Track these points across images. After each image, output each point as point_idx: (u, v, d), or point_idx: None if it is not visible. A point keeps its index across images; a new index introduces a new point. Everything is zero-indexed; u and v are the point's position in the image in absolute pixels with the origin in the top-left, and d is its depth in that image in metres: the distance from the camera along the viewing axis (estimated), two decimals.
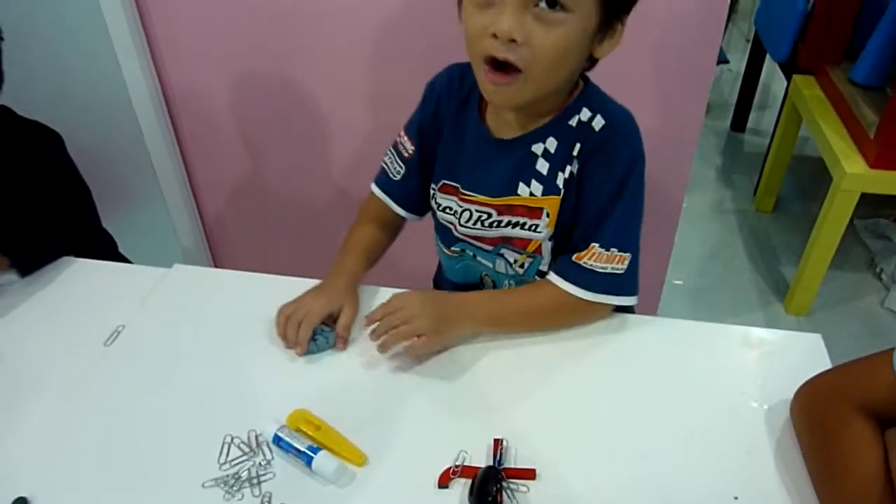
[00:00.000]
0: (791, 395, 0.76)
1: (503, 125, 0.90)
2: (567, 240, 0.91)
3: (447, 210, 0.96)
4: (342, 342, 0.89)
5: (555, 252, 0.93)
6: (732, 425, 0.77)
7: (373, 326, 0.85)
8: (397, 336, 0.83)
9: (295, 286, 0.94)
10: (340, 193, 1.72)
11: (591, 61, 0.84)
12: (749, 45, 2.93)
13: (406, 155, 0.99)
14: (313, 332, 0.87)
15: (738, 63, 3.24)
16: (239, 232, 1.87)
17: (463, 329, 0.88)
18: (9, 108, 1.07)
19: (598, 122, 0.85)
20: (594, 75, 0.89)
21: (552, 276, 0.89)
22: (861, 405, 0.67)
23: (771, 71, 3.06)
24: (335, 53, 1.47)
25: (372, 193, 1.04)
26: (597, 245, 0.86)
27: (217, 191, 1.79)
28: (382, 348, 0.84)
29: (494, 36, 0.74)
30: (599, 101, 0.87)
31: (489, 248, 0.96)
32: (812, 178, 2.68)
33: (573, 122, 0.86)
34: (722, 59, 3.61)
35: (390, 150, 1.01)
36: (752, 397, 0.80)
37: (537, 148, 0.88)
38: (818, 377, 0.74)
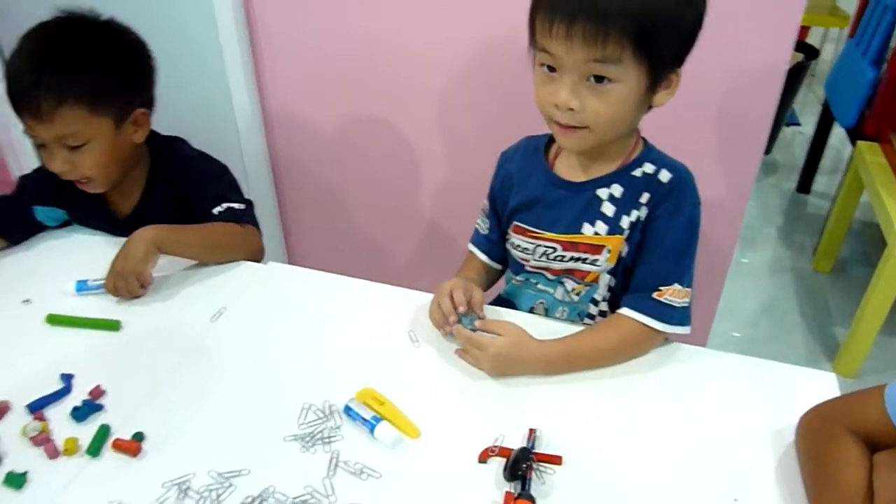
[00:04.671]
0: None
1: (571, 171, 1.05)
2: (626, 273, 1.04)
3: (518, 248, 1.10)
4: (479, 322, 1.00)
5: (611, 284, 1.06)
6: (746, 446, 0.87)
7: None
8: (464, 359, 0.99)
9: (361, 287, 1.11)
10: (410, 215, 1.89)
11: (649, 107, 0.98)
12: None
13: (486, 211, 1.17)
14: (458, 318, 0.99)
15: (811, 126, 3.28)
16: (311, 241, 2.07)
17: (529, 371, 0.97)
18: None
19: (665, 175, 0.99)
20: (655, 126, 1.03)
21: (631, 313, 0.99)
22: (852, 428, 0.77)
23: (842, 136, 3.10)
24: (421, 96, 1.66)
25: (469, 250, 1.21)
26: (677, 284, 0.99)
27: (298, 203, 2.00)
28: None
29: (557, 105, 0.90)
30: (659, 157, 1.02)
31: (552, 277, 1.09)
32: (873, 242, 2.70)
33: (637, 173, 1.00)
34: (793, 122, 3.68)
35: (481, 213, 1.19)
36: (766, 423, 0.90)
37: (602, 192, 1.01)
38: (822, 403, 0.84)
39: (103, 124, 1.12)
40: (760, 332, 2.29)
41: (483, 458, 0.84)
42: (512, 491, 0.79)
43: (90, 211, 1.28)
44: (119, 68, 1.14)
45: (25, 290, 1.15)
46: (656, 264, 1.00)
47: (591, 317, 1.10)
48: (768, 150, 3.37)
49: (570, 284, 1.08)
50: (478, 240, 1.20)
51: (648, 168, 1.00)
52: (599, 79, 0.88)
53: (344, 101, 1.75)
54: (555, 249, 1.06)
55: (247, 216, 1.23)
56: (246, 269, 1.20)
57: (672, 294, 0.98)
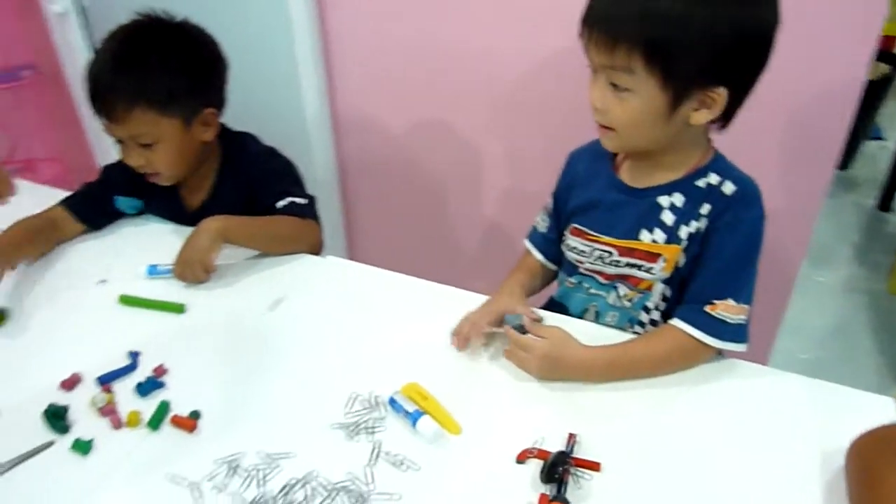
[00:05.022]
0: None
1: (634, 176, 1.05)
2: (681, 284, 1.03)
3: (573, 250, 1.11)
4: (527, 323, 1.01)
5: (665, 293, 1.05)
6: (793, 467, 0.85)
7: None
8: (511, 360, 0.99)
9: (414, 284, 1.14)
10: (469, 218, 1.91)
11: (723, 122, 0.96)
12: None
13: (549, 210, 1.18)
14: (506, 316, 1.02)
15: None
16: (373, 238, 2.11)
17: (573, 376, 0.97)
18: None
19: (729, 188, 0.97)
20: (725, 138, 1.01)
21: (682, 324, 0.97)
22: None
23: None
24: (486, 101, 1.68)
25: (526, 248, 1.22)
26: (731, 299, 0.97)
27: (361, 201, 2.05)
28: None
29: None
30: (726, 169, 1.00)
31: (605, 281, 1.09)
32: None
33: (701, 183, 0.99)
34: (876, 136, 3.51)
35: (541, 211, 1.20)
36: (816, 444, 0.87)
37: (663, 200, 1.01)
38: (878, 427, 0.81)
39: (173, 125, 1.19)
40: (828, 353, 2.19)
41: (521, 458, 0.85)
42: (547, 493, 0.80)
43: (164, 202, 1.36)
44: (190, 70, 1.19)
45: (102, 271, 1.23)
46: (711, 277, 0.98)
47: (642, 324, 1.10)
48: (847, 166, 3.22)
49: (623, 290, 1.07)
50: (535, 237, 1.21)
51: (713, 179, 0.98)
52: (615, 86, 0.91)
53: (410, 105, 1.79)
54: (610, 254, 1.05)
55: (309, 211, 1.28)
56: (305, 262, 1.25)
57: (725, 309, 0.97)
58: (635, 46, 0.86)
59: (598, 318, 1.13)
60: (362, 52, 1.76)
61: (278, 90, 1.85)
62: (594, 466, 0.84)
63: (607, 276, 1.08)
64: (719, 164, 1.00)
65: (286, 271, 1.22)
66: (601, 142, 1.00)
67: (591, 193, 1.08)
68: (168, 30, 1.20)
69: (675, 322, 0.99)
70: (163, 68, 1.16)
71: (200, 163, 1.30)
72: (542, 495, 0.80)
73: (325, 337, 1.07)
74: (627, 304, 1.08)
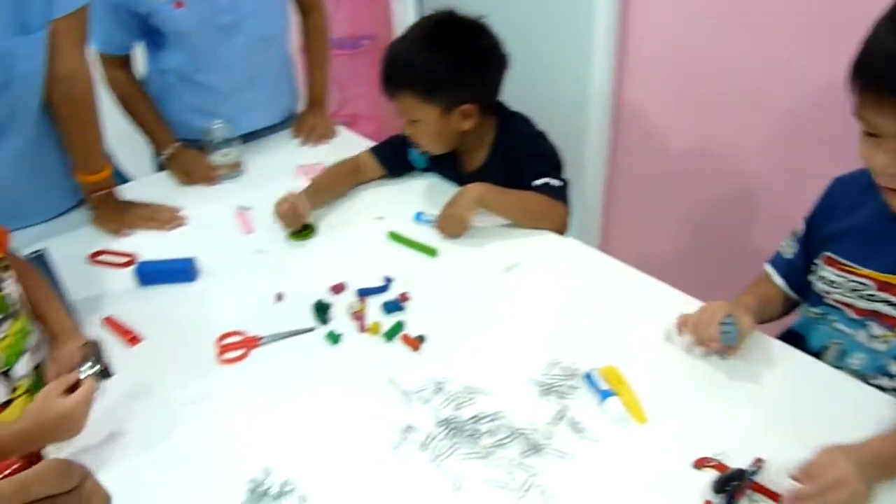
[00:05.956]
0: None
1: None
2: None
3: (823, 279, 1.04)
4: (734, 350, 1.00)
5: None
6: None
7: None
8: None
9: (643, 281, 1.17)
10: (722, 231, 1.84)
11: None
12: None
13: (798, 235, 1.12)
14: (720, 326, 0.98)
15: None
16: (628, 234, 2.14)
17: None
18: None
19: None
20: None
21: None
22: None
23: None
24: (767, 121, 1.61)
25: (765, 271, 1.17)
26: None
27: (623, 199, 2.08)
28: None
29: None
30: None
31: (856, 316, 1.01)
32: None
33: None
34: None
35: (789, 236, 1.14)
36: None
37: None
38: None
39: (432, 111, 1.34)
40: None
41: (699, 465, 0.86)
42: (713, 502, 0.80)
43: (446, 163, 1.54)
44: (459, 67, 1.31)
45: (382, 210, 1.46)
46: None
47: (891, 376, 0.99)
48: None
49: (876, 329, 0.98)
50: (778, 262, 1.16)
51: None
52: None
53: (691, 117, 1.79)
54: (866, 286, 0.98)
55: (560, 194, 1.37)
56: (547, 238, 1.34)
57: None
58: None
59: (841, 358, 1.04)
60: (658, 57, 1.79)
61: (567, 80, 1.96)
62: (775, 497, 0.81)
63: (859, 311, 1.00)
64: None
65: (528, 242, 1.33)
66: (888, 202, 0.91)
67: (854, 221, 1.01)
68: (457, 27, 1.34)
69: None
70: (431, 62, 1.31)
71: (462, 142, 1.44)
72: (707, 501, 0.80)
73: (544, 304, 1.16)
74: (881, 346, 0.99)
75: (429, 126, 1.37)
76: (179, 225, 1.46)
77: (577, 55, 1.91)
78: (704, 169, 1.83)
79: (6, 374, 0.95)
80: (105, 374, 0.95)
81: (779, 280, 1.14)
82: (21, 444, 0.85)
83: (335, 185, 1.52)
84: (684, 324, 1.04)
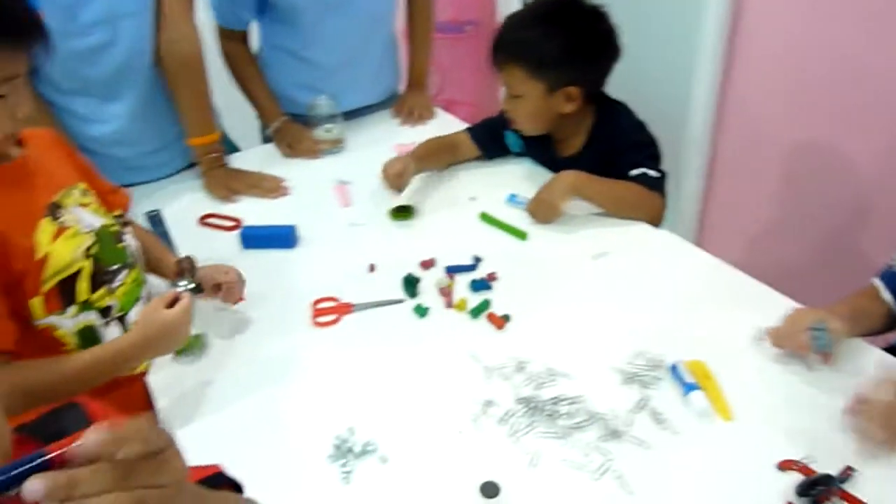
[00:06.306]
0: None
1: None
2: None
3: None
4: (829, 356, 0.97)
5: None
6: None
7: None
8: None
9: (737, 279, 1.14)
10: (829, 236, 1.76)
11: None
12: None
13: None
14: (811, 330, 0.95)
15: None
16: (726, 230, 2.07)
17: None
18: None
19: None
20: None
21: None
22: None
23: None
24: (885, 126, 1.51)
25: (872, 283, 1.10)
26: None
27: (721, 195, 2.02)
28: None
29: None
30: None
31: None
32: None
33: None
34: None
35: None
36: None
37: None
38: None
39: (537, 87, 1.34)
40: None
41: (784, 466, 0.84)
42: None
43: (541, 148, 1.55)
44: (570, 48, 1.30)
45: (476, 191, 1.48)
46: None
47: None
48: None
49: None
50: (888, 277, 1.09)
51: None
52: None
53: (799, 117, 1.71)
54: None
55: (657, 185, 1.34)
56: (640, 228, 1.33)
57: None
58: None
59: None
60: (770, 52, 1.71)
61: (672, 70, 1.92)
62: None
63: None
64: None
65: (620, 231, 1.32)
66: None
67: None
68: (579, 9, 1.33)
69: None
70: (545, 38, 1.30)
71: (561, 125, 1.43)
72: (789, 503, 0.78)
73: (631, 294, 1.15)
74: None
75: (529, 103, 1.37)
76: (283, 194, 1.54)
77: (685, 46, 1.86)
78: (812, 170, 1.75)
79: (122, 319, 1.04)
80: (198, 289, 1.04)
81: (887, 296, 1.07)
82: (135, 353, 0.95)
83: (435, 156, 1.56)
84: (771, 335, 1.01)
